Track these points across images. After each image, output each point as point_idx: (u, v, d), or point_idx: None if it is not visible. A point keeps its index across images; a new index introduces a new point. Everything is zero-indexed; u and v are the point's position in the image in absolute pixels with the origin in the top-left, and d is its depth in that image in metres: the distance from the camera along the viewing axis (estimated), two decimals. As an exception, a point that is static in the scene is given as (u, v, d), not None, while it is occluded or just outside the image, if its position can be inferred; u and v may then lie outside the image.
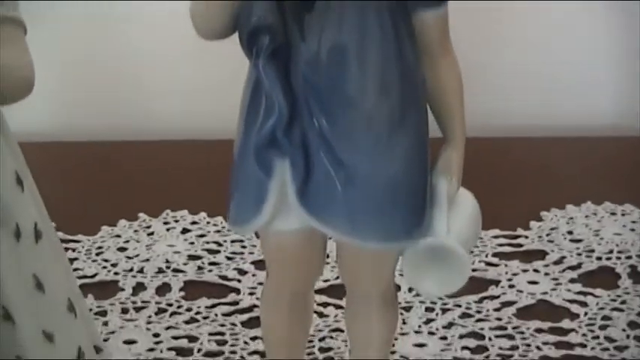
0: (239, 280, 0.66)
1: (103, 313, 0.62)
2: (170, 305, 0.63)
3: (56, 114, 0.89)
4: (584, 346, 0.59)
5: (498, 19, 0.86)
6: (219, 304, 0.63)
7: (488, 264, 0.67)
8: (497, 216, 0.72)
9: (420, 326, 0.60)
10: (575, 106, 0.90)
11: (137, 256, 0.69)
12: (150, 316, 0.62)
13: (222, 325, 0.61)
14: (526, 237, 0.71)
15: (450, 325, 0.60)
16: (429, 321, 0.61)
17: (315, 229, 0.41)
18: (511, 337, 0.59)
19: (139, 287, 0.65)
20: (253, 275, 0.66)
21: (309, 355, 0.57)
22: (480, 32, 0.84)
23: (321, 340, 0.59)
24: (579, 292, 0.64)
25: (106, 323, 0.61)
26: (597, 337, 0.59)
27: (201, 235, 0.72)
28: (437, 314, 0.62)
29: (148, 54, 0.87)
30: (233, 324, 0.61)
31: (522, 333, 0.60)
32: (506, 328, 0.60)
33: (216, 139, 0.78)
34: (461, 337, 0.59)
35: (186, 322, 0.61)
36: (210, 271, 0.67)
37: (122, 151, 0.85)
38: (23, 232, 0.45)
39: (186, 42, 0.87)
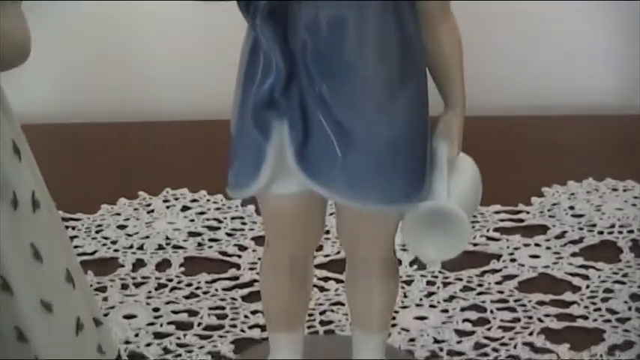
0: (239, 256, 0.65)
1: (103, 289, 0.62)
2: (170, 280, 0.63)
3: (58, 97, 0.89)
4: (586, 318, 0.58)
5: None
6: (219, 279, 0.63)
7: (490, 238, 0.67)
8: (498, 192, 0.71)
9: (421, 299, 0.60)
10: (575, 85, 0.90)
11: (137, 233, 0.69)
12: (150, 292, 0.61)
13: (223, 300, 0.60)
14: (527, 212, 0.71)
15: (451, 298, 0.60)
16: (430, 294, 0.61)
17: (314, 193, 0.41)
18: (513, 310, 0.59)
19: (139, 263, 0.65)
20: (254, 251, 0.66)
21: (310, 328, 0.57)
22: (481, 11, 0.83)
23: (322, 313, 0.59)
24: (581, 266, 0.64)
25: (105, 299, 0.61)
26: (599, 310, 0.59)
27: (201, 213, 0.71)
28: (438, 288, 0.61)
29: (147, 37, 0.87)
30: (233, 298, 0.61)
31: (524, 306, 0.59)
32: (507, 301, 0.60)
33: (215, 120, 0.78)
34: (462, 309, 0.59)
35: (186, 297, 0.61)
36: (210, 247, 0.67)
37: (122, 132, 0.85)
38: (20, 201, 0.45)
39: (186, 24, 0.87)
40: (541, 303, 0.60)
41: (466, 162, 0.43)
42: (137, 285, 0.62)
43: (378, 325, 0.46)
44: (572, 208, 0.71)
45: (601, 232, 0.68)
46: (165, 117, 0.87)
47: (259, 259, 0.63)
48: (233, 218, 0.70)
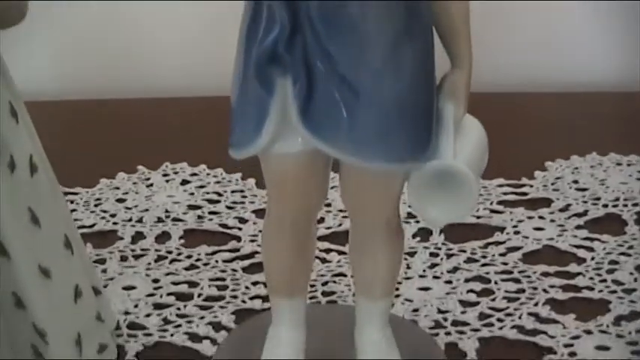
0: (240, 228, 0.65)
1: (102, 261, 0.61)
2: (170, 253, 0.62)
3: (58, 74, 0.88)
4: (591, 289, 0.57)
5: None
6: (219, 251, 0.62)
7: (493, 211, 0.66)
8: (502, 167, 0.71)
9: (424, 270, 0.59)
10: (577, 63, 0.89)
11: (136, 206, 0.68)
12: (149, 264, 0.61)
13: (223, 271, 0.60)
14: (531, 186, 0.70)
15: (454, 270, 0.59)
16: (433, 265, 0.60)
17: (317, 152, 0.40)
18: (517, 281, 0.58)
19: (138, 236, 0.64)
20: (254, 223, 0.65)
21: (312, 299, 0.56)
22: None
23: (324, 284, 0.58)
24: (586, 238, 0.63)
25: (104, 271, 0.60)
26: (605, 281, 0.58)
27: (201, 186, 0.70)
28: (441, 259, 0.61)
29: (147, 14, 0.86)
30: (234, 270, 0.60)
31: (529, 277, 0.59)
32: (512, 272, 0.59)
33: (215, 96, 0.77)
34: (466, 280, 0.58)
35: (186, 269, 0.60)
36: (210, 219, 0.66)
37: (120, 109, 0.84)
38: (18, 164, 0.44)
39: (186, 1, 0.86)
40: (546, 274, 0.59)
41: (473, 124, 0.43)
42: (136, 257, 0.62)
43: (382, 292, 0.45)
44: (575, 182, 0.71)
45: (605, 206, 0.67)
46: (164, 94, 0.86)
47: (260, 231, 0.63)
48: (233, 191, 0.70)
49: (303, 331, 0.46)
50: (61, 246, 0.46)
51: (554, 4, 0.87)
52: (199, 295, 0.57)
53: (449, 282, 0.58)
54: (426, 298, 0.57)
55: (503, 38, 0.87)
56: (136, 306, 0.56)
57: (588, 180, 0.71)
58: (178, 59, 0.88)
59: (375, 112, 0.39)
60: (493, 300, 0.56)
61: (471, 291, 0.57)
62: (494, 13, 0.85)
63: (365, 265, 0.44)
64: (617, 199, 0.68)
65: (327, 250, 0.62)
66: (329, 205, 0.67)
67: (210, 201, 0.68)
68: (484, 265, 0.60)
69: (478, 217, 0.66)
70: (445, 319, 0.55)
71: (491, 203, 0.67)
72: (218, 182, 0.71)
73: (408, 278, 0.59)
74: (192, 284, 0.58)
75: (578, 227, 0.65)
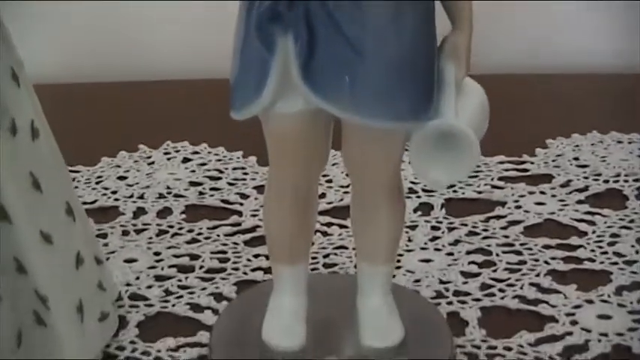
0: (241, 204, 0.65)
1: (103, 236, 0.61)
2: (171, 227, 0.62)
3: (60, 58, 0.88)
4: (592, 260, 0.57)
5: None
6: (220, 225, 0.62)
7: (494, 187, 0.66)
8: (502, 144, 0.71)
9: (425, 243, 0.59)
10: (578, 46, 0.89)
11: (137, 183, 0.68)
12: (151, 238, 0.61)
13: (225, 245, 0.60)
14: (532, 163, 0.70)
15: (456, 242, 0.59)
16: (434, 238, 0.60)
17: (318, 112, 0.40)
18: (519, 253, 0.58)
19: (140, 211, 0.64)
20: (255, 199, 0.65)
21: (314, 271, 0.56)
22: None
23: (326, 256, 0.58)
24: (587, 213, 0.63)
25: (106, 244, 0.60)
26: (606, 253, 0.58)
27: (202, 164, 0.71)
28: (442, 232, 0.61)
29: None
30: (235, 243, 0.60)
31: (530, 249, 0.59)
32: (513, 245, 0.59)
33: (215, 78, 0.77)
34: (467, 253, 0.58)
35: (188, 242, 0.60)
36: (211, 195, 0.66)
37: (122, 92, 0.84)
38: (19, 128, 0.44)
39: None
40: (547, 247, 0.59)
41: (474, 87, 0.43)
42: (138, 231, 0.62)
43: (384, 258, 0.45)
44: (576, 159, 0.71)
45: (606, 181, 0.67)
46: (165, 76, 0.86)
47: (262, 206, 0.63)
48: (234, 169, 0.70)
49: (305, 298, 0.46)
50: (62, 213, 0.46)
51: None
52: (201, 267, 0.57)
53: (450, 254, 0.58)
54: (427, 269, 0.57)
55: (507, 22, 0.87)
56: (137, 278, 0.56)
57: (589, 157, 0.71)
58: (179, 43, 0.88)
59: (376, 72, 0.39)
60: (494, 271, 0.56)
61: (473, 263, 0.57)
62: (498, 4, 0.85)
63: (367, 229, 0.44)
64: (618, 175, 0.68)
65: (329, 224, 0.62)
66: (330, 181, 0.67)
67: (212, 178, 0.68)
68: (485, 238, 0.60)
69: (479, 192, 0.66)
70: (447, 290, 0.55)
71: (492, 179, 0.67)
72: (219, 160, 0.71)
73: (409, 250, 0.59)
74: (194, 257, 0.58)
75: (580, 202, 0.65)
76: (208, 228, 0.62)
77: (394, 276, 0.52)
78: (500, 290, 0.55)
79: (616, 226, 0.61)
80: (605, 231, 0.61)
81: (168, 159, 0.71)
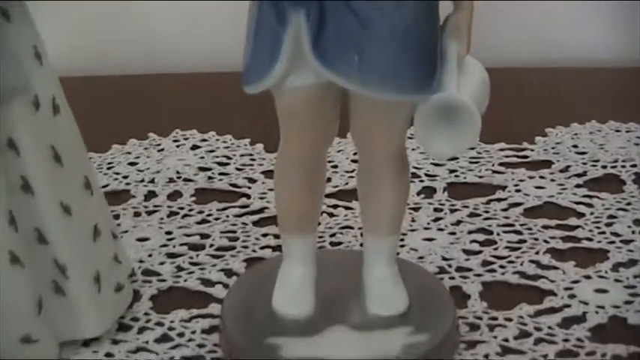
0: (249, 187, 0.66)
1: (116, 217, 0.63)
2: (181, 209, 0.64)
3: (71, 52, 0.90)
4: (590, 239, 0.59)
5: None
6: (229, 207, 0.64)
7: (495, 172, 0.68)
8: (502, 133, 0.73)
9: (428, 223, 0.61)
10: (578, 40, 0.91)
11: (148, 169, 0.70)
12: (162, 219, 0.63)
13: (234, 225, 0.61)
14: (532, 150, 0.72)
15: (458, 223, 0.61)
16: (437, 219, 0.62)
17: (328, 85, 0.42)
18: (519, 233, 0.60)
19: (151, 195, 0.66)
20: (263, 183, 0.67)
21: (320, 249, 0.58)
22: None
23: (332, 235, 0.60)
24: (585, 196, 0.65)
25: (118, 224, 0.61)
26: (603, 233, 0.60)
27: (211, 151, 0.72)
28: (445, 214, 0.63)
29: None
30: (244, 223, 0.62)
31: (530, 229, 0.60)
32: (513, 225, 0.61)
33: (224, 72, 0.80)
34: (469, 232, 0.60)
35: (198, 223, 0.62)
36: (220, 180, 0.68)
37: (131, 84, 0.86)
38: (42, 103, 0.46)
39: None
40: (546, 227, 0.61)
41: (475, 64, 0.45)
42: (149, 213, 0.63)
43: (389, 229, 0.47)
44: (575, 146, 0.73)
45: (604, 167, 0.69)
46: (174, 70, 0.88)
47: (270, 189, 0.65)
48: (242, 155, 0.72)
49: (313, 268, 0.48)
50: (81, 186, 0.48)
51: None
52: (211, 246, 0.59)
53: (452, 233, 0.60)
54: (430, 247, 0.58)
55: (510, 18, 0.89)
56: (150, 255, 0.58)
57: (588, 144, 0.73)
58: (188, 38, 0.89)
59: (383, 47, 0.41)
60: (495, 249, 0.58)
61: (474, 241, 0.59)
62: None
63: (373, 200, 0.46)
64: (616, 161, 0.70)
65: (335, 206, 0.64)
66: (335, 167, 0.69)
67: (220, 163, 0.70)
68: (486, 219, 0.62)
69: (480, 177, 0.67)
70: (449, 266, 0.56)
71: (493, 165, 0.69)
72: (227, 147, 0.73)
73: (412, 230, 0.60)
74: (204, 236, 0.60)
75: (578, 186, 0.66)
76: (218, 210, 0.63)
77: (398, 253, 0.53)
78: (501, 267, 0.56)
79: (613, 208, 0.63)
80: (603, 213, 0.62)
81: (177, 146, 0.73)
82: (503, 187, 0.66)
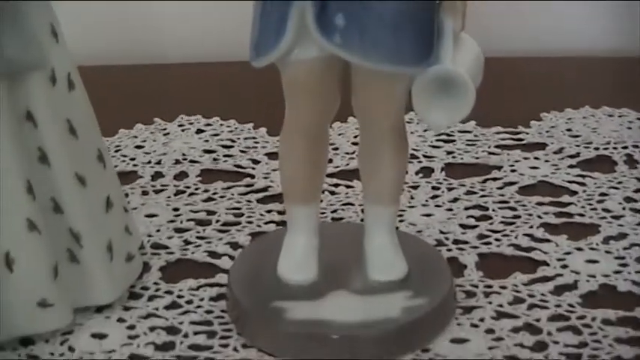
0: (253, 168, 0.69)
1: (125, 195, 0.64)
2: (188, 188, 0.66)
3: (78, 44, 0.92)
4: (582, 215, 0.62)
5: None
6: (234, 186, 0.66)
7: (491, 153, 0.70)
8: (499, 118, 0.75)
9: (426, 200, 0.64)
10: (574, 31, 0.93)
11: (154, 151, 0.72)
12: (169, 197, 0.65)
13: (239, 202, 0.64)
14: (527, 133, 0.74)
15: (455, 200, 0.64)
16: (435, 197, 0.64)
17: (331, 58, 0.44)
18: (513, 209, 0.62)
19: (158, 175, 0.68)
20: (266, 164, 0.69)
21: (323, 222, 0.60)
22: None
23: (334, 212, 0.62)
24: (578, 175, 0.67)
25: (128, 202, 0.63)
26: (595, 209, 0.62)
27: (215, 135, 0.75)
28: (442, 192, 0.65)
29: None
30: (249, 201, 0.64)
31: (524, 206, 0.63)
32: (508, 202, 0.63)
33: (227, 61, 0.82)
34: (466, 208, 0.63)
35: (204, 201, 0.64)
36: (225, 161, 0.70)
37: (138, 73, 0.88)
38: (58, 78, 0.48)
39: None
40: (540, 204, 0.63)
41: (470, 41, 0.47)
42: (157, 192, 0.66)
43: (389, 200, 0.50)
44: (569, 130, 0.75)
45: (597, 149, 0.71)
46: (180, 60, 0.90)
47: (273, 169, 0.67)
48: (246, 138, 0.74)
49: (317, 237, 0.51)
50: (94, 158, 0.51)
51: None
52: (217, 221, 0.61)
53: (450, 209, 0.62)
54: (428, 222, 0.61)
55: (507, 9, 0.91)
56: (158, 230, 0.60)
57: (581, 128, 0.75)
58: (193, 30, 0.92)
59: (382, 21, 0.43)
60: (491, 224, 0.60)
61: (470, 217, 0.61)
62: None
63: (374, 170, 0.49)
64: (608, 143, 0.72)
65: (336, 185, 0.66)
66: (337, 149, 0.72)
67: (225, 146, 0.73)
68: (482, 196, 0.64)
69: (477, 158, 0.70)
70: (447, 239, 0.59)
71: (489, 147, 0.72)
72: (231, 131, 0.75)
73: (411, 207, 0.63)
74: (210, 212, 0.62)
75: (571, 166, 0.69)
76: (223, 188, 0.66)
77: (397, 228, 0.56)
78: (496, 240, 0.59)
79: (605, 186, 0.65)
80: (595, 191, 0.65)
81: (183, 130, 0.75)
82: (499, 168, 0.68)
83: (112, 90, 0.84)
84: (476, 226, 0.60)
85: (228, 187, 0.66)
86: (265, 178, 0.67)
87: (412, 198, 0.64)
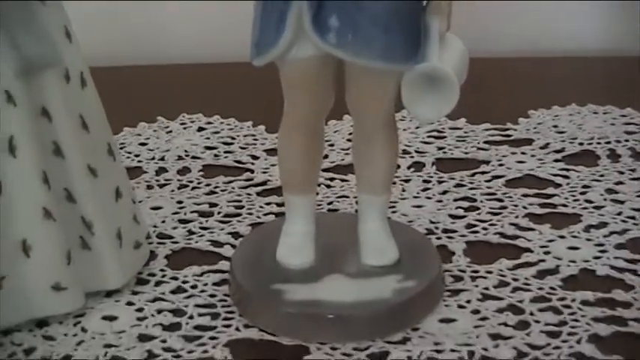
0: (252, 163, 0.72)
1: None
2: (190, 182, 0.69)
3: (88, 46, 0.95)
4: (565, 206, 0.65)
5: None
6: (235, 180, 0.69)
7: (480, 149, 0.74)
8: (488, 115, 0.78)
9: (418, 193, 0.67)
10: (563, 33, 0.96)
11: (158, 148, 0.75)
12: (173, 190, 0.68)
13: (239, 195, 0.67)
14: (515, 129, 0.77)
15: (444, 192, 0.67)
16: (425, 189, 0.68)
17: (326, 57, 0.48)
18: (500, 200, 0.66)
19: (161, 170, 0.71)
20: (265, 159, 0.73)
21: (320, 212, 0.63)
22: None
23: (329, 203, 0.66)
24: (562, 169, 0.71)
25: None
26: (577, 200, 0.66)
27: (216, 132, 0.78)
28: (433, 185, 0.68)
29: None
30: (249, 194, 0.67)
31: (510, 197, 0.66)
32: (495, 194, 0.67)
33: (227, 62, 0.85)
34: (455, 200, 0.66)
35: (207, 194, 0.67)
36: (225, 157, 0.73)
37: (141, 74, 0.91)
38: (72, 76, 0.52)
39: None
40: (526, 195, 0.66)
41: (455, 40, 0.50)
42: (161, 186, 0.69)
43: (382, 188, 0.53)
44: (555, 126, 0.78)
45: (581, 144, 0.74)
46: (181, 61, 0.93)
47: (272, 164, 0.70)
48: (245, 135, 0.77)
49: (314, 225, 0.54)
50: (105, 152, 0.54)
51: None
52: (219, 213, 0.65)
53: (439, 201, 0.66)
54: (419, 212, 0.64)
55: (496, 11, 0.94)
56: (163, 221, 0.64)
57: (567, 124, 0.78)
58: (193, 30, 0.95)
59: (375, 23, 0.47)
60: (479, 214, 0.64)
61: (459, 207, 0.65)
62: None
63: (367, 161, 0.52)
64: (592, 139, 0.75)
65: (332, 179, 0.69)
66: (332, 145, 0.75)
67: (225, 143, 0.76)
68: (471, 189, 0.68)
69: (466, 153, 0.73)
70: (436, 228, 0.62)
71: (478, 142, 0.75)
72: (231, 129, 0.79)
73: (403, 199, 0.66)
74: (212, 205, 0.66)
75: (556, 160, 0.72)
76: (224, 182, 0.69)
77: (389, 218, 0.59)
78: (484, 229, 0.62)
79: (588, 179, 0.69)
80: (578, 183, 0.68)
81: (185, 128, 0.79)
82: (487, 162, 0.72)
83: (116, 90, 0.87)
84: (464, 217, 0.64)
85: (229, 181, 0.69)
86: (264, 172, 0.70)
87: (404, 190, 0.67)
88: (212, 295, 0.55)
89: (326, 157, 0.72)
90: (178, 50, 0.96)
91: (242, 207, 0.65)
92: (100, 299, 0.55)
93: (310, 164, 0.52)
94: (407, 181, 0.69)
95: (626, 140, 0.74)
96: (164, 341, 0.51)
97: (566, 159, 0.72)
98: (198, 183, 0.69)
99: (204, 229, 0.63)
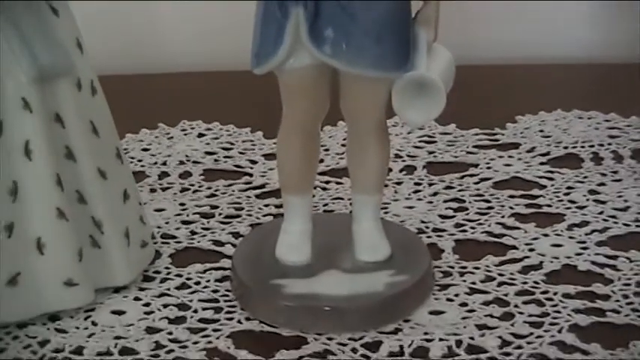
0: (251, 167, 0.75)
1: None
2: (192, 185, 0.73)
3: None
4: (550, 206, 0.68)
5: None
6: (234, 183, 0.73)
7: (469, 152, 0.77)
8: (477, 121, 0.82)
9: (409, 194, 0.70)
10: (553, 40, 0.99)
11: (160, 153, 0.78)
12: (175, 193, 0.71)
13: (239, 198, 0.70)
14: (502, 134, 0.81)
15: (435, 194, 0.70)
16: (417, 191, 0.71)
17: (322, 66, 0.51)
18: (488, 201, 0.69)
19: (164, 175, 0.75)
20: (263, 163, 0.76)
21: (316, 213, 0.67)
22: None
23: (325, 205, 0.69)
24: (548, 172, 0.74)
25: (139, 197, 0.70)
26: (562, 201, 0.69)
27: (216, 138, 0.81)
28: (424, 187, 0.72)
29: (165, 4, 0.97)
30: (248, 196, 0.71)
31: (498, 198, 0.69)
32: (483, 195, 0.70)
33: (226, 71, 0.88)
34: (445, 201, 0.69)
35: (208, 197, 0.71)
36: (225, 162, 0.77)
37: (142, 83, 0.94)
38: (83, 85, 0.55)
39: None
40: (512, 196, 0.70)
41: (443, 50, 0.54)
42: (164, 189, 0.72)
43: (375, 189, 0.56)
44: (541, 131, 0.81)
45: (566, 147, 0.78)
46: (182, 69, 0.96)
47: (270, 168, 0.74)
48: (244, 141, 0.80)
49: (311, 223, 0.57)
50: (114, 155, 0.57)
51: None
52: (220, 214, 0.68)
53: (430, 202, 0.69)
54: (410, 213, 0.67)
55: (486, 19, 0.97)
56: (166, 223, 0.67)
57: (553, 129, 0.82)
58: (194, 41, 0.98)
59: (367, 34, 0.50)
60: (467, 214, 0.67)
61: (449, 208, 0.68)
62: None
63: (361, 163, 0.56)
64: (577, 142, 0.79)
65: (327, 182, 0.73)
66: (327, 150, 0.78)
67: (225, 148, 0.79)
68: (460, 190, 0.71)
69: (456, 157, 0.76)
70: (427, 227, 0.66)
71: (467, 147, 0.78)
72: (230, 135, 0.82)
73: (395, 200, 0.69)
74: (213, 207, 0.69)
75: (542, 163, 0.75)
76: (224, 186, 0.72)
77: (382, 218, 0.62)
78: (472, 228, 0.65)
79: (572, 181, 0.72)
80: (562, 184, 0.71)
81: (185, 134, 0.82)
82: (476, 165, 0.75)
83: (118, 97, 0.90)
84: (453, 217, 0.67)
85: (229, 185, 0.72)
86: (262, 176, 0.74)
87: (396, 192, 0.71)
88: (215, 291, 0.58)
89: (321, 161, 0.75)
90: (179, 59, 0.99)
91: (242, 208, 0.69)
92: (109, 295, 0.58)
93: (307, 165, 0.56)
94: (399, 183, 0.72)
95: (609, 144, 0.77)
96: (170, 333, 0.54)
97: (552, 162, 0.75)
98: (200, 186, 0.72)
99: (206, 229, 0.66)
